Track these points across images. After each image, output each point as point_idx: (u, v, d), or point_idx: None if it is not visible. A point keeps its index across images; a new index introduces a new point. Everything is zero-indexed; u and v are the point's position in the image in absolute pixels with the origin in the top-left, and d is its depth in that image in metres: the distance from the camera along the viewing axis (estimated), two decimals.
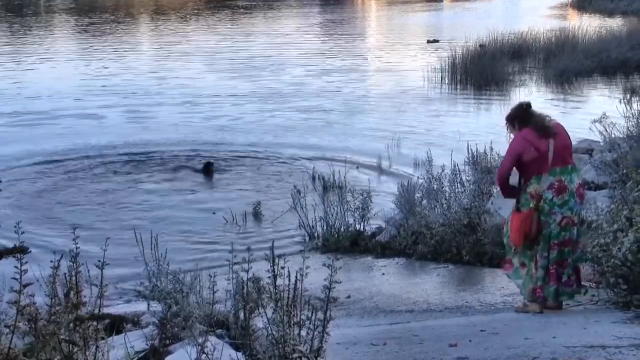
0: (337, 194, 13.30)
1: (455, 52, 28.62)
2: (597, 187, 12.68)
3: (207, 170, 16.45)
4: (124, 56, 35.06)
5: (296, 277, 5.27)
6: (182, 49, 37.77)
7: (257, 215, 13.74)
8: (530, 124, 7.63)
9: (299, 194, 13.55)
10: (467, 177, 11.86)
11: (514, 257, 7.80)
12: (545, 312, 7.52)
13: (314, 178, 15.43)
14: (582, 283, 7.82)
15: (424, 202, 11.61)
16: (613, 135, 13.94)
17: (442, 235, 10.62)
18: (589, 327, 6.72)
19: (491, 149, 14.32)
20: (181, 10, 62.33)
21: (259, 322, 5.60)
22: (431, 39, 39.35)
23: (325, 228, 12.11)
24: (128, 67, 31.95)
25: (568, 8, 61.23)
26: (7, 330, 4.22)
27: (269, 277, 5.32)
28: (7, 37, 43.73)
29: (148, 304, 7.25)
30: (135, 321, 7.85)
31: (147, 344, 6.38)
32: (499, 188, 8.01)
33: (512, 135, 7.92)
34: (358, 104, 24.16)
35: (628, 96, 18.24)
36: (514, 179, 7.84)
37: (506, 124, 7.99)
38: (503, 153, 14.82)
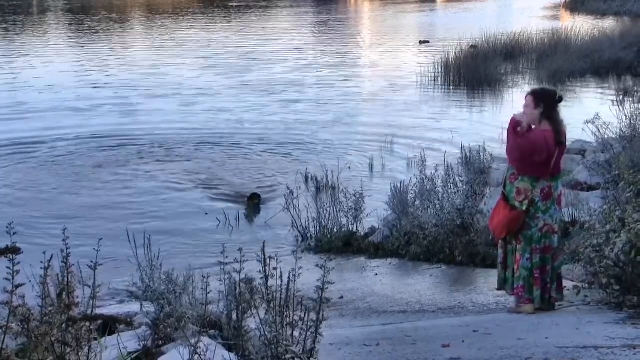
0: (330, 195, 13.32)
1: (448, 52, 28.66)
2: (590, 188, 12.71)
3: (251, 202, 14.60)
4: (118, 53, 35.04)
5: (289, 277, 5.27)
6: (176, 47, 37.74)
7: (249, 215, 13.73)
8: (552, 120, 7.56)
9: (292, 194, 13.55)
10: (460, 178, 11.85)
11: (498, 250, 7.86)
12: (538, 312, 7.53)
13: (306, 178, 15.43)
14: (566, 289, 7.85)
15: (417, 202, 11.60)
16: (606, 136, 13.96)
17: (435, 235, 10.62)
18: (582, 328, 6.72)
19: (484, 149, 14.31)
20: (174, 9, 62.26)
21: (251, 323, 5.60)
22: (423, 39, 39.38)
23: (318, 229, 12.10)
24: (122, 63, 31.95)
25: (561, 9, 61.34)
26: (0, 331, 4.21)
27: (262, 277, 5.32)
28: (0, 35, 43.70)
29: (141, 305, 7.23)
30: (128, 322, 7.82)
31: (140, 345, 6.37)
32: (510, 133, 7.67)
33: (522, 110, 7.75)
34: (350, 105, 24.18)
35: (621, 97, 18.30)
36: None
37: (530, 97, 7.70)
38: (496, 153, 14.99)
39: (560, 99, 7.72)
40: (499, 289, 8.01)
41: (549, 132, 7.51)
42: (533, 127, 7.71)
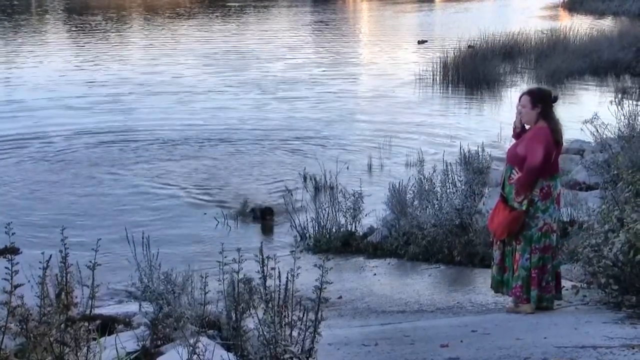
0: (329, 195, 13.31)
1: (446, 52, 28.68)
2: (589, 188, 12.71)
3: (264, 218, 13.69)
4: (117, 52, 35.04)
5: (287, 277, 5.27)
6: (174, 46, 37.78)
7: (247, 215, 13.72)
8: (549, 119, 7.56)
9: (290, 194, 13.55)
10: (458, 178, 11.86)
11: (494, 252, 7.85)
12: (537, 312, 7.52)
13: (305, 178, 15.41)
14: (562, 288, 7.85)
15: (416, 202, 11.60)
16: (604, 136, 13.97)
17: (434, 235, 10.61)
18: (580, 328, 6.73)
19: (483, 149, 14.34)
20: (173, 9, 62.25)
21: (250, 323, 5.60)
22: (421, 39, 39.39)
23: (316, 228, 12.09)
24: (121, 62, 32.00)
25: (559, 9, 61.37)
26: None
27: (260, 277, 5.32)
28: None
29: (140, 305, 7.22)
30: (126, 322, 7.83)
31: (138, 345, 6.37)
32: (523, 183, 7.48)
33: (519, 109, 7.74)
34: (349, 104, 24.17)
35: (619, 97, 18.28)
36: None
37: (527, 97, 7.66)
38: (494, 153, 15.00)
39: (556, 99, 7.73)
40: (495, 291, 7.99)
41: (546, 128, 7.51)
42: (527, 127, 7.72)
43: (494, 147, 15.84)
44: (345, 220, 12.07)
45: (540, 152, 7.41)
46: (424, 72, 27.97)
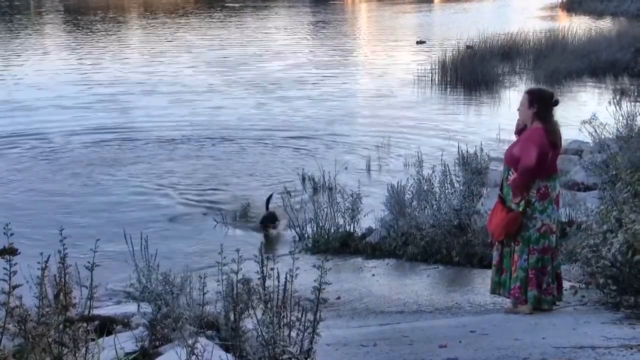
0: (327, 195, 13.30)
1: (445, 53, 28.69)
2: (587, 188, 12.72)
3: (265, 227, 13.04)
4: (116, 52, 35.04)
5: (286, 278, 5.27)
6: (173, 46, 37.77)
7: (246, 216, 13.71)
8: (546, 121, 7.55)
9: (289, 194, 13.53)
10: (457, 178, 11.86)
11: (494, 251, 7.85)
12: (535, 313, 7.52)
13: (303, 179, 15.40)
14: (563, 289, 7.84)
15: (414, 203, 11.61)
16: (603, 136, 13.99)
17: (432, 236, 10.61)
18: (579, 328, 6.73)
19: (481, 149, 14.36)
20: (171, 9, 62.24)
21: (249, 324, 5.60)
22: (420, 40, 39.40)
23: (315, 229, 12.08)
24: (120, 62, 31.97)
25: (558, 9, 61.39)
26: None
27: (259, 278, 5.32)
28: None
29: (138, 305, 7.22)
30: (125, 322, 7.83)
31: (137, 346, 6.37)
32: (518, 184, 7.48)
33: (518, 109, 7.76)
34: (347, 104, 24.16)
35: (617, 97, 18.32)
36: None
37: (526, 96, 7.69)
38: (493, 153, 15.01)
39: (556, 102, 7.72)
40: (492, 292, 7.99)
41: (541, 129, 7.50)
42: (527, 125, 7.72)
43: (492, 148, 15.85)
44: (344, 221, 12.06)
45: (533, 153, 7.41)
46: (423, 73, 27.97)
